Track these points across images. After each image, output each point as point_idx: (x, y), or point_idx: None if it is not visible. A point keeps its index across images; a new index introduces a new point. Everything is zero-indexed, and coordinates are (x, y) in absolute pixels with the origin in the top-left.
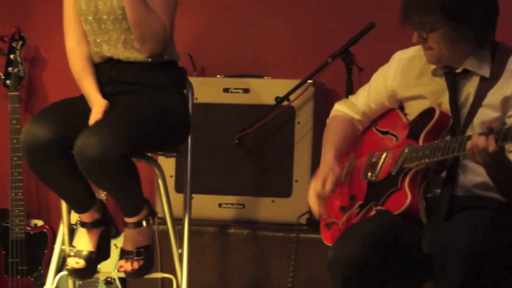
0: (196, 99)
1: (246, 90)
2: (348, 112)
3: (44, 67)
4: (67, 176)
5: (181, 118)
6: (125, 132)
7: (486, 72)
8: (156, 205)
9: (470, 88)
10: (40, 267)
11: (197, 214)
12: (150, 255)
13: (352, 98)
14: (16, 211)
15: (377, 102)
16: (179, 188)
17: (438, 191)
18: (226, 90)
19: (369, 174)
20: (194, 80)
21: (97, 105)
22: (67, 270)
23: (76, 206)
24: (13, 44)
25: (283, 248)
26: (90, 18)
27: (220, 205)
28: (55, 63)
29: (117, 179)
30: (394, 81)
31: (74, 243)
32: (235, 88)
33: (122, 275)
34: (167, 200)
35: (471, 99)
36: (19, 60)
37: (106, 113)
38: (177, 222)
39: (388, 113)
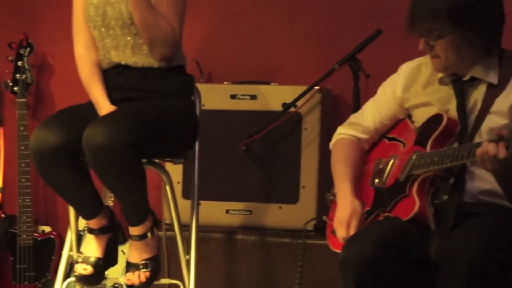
0: (203, 105)
1: (253, 97)
2: (354, 133)
3: (52, 73)
4: (75, 182)
5: (189, 125)
6: (133, 123)
7: (493, 79)
8: (164, 211)
9: (477, 95)
10: (47, 274)
11: (205, 221)
12: (157, 265)
13: (355, 118)
14: (24, 217)
15: (389, 116)
16: (186, 195)
17: (445, 197)
18: (233, 96)
19: (377, 180)
20: (201, 87)
21: (105, 111)
22: (75, 276)
23: (84, 212)
24: (21, 51)
25: (290, 254)
26: (99, 24)
27: (227, 211)
28: (63, 69)
29: (124, 175)
30: (402, 92)
31: (81, 250)
32: (242, 95)
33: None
34: (175, 207)
35: (478, 106)
36: (26, 67)
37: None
38: (185, 228)
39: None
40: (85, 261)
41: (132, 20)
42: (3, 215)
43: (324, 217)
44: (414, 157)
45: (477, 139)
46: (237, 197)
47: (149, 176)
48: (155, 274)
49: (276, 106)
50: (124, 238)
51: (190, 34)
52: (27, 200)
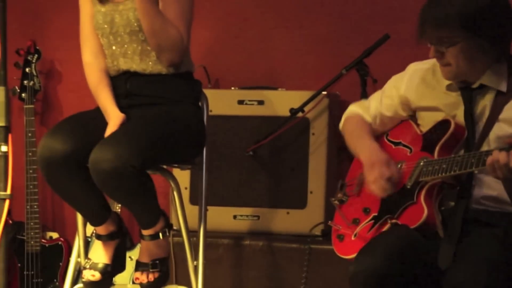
0: (211, 111)
1: (260, 102)
2: (362, 113)
3: (59, 80)
4: (83, 189)
5: (197, 131)
6: (140, 145)
7: (503, 86)
8: (171, 217)
9: (485, 102)
10: (55, 280)
11: (212, 226)
12: (166, 267)
13: (364, 102)
14: (32, 223)
15: (390, 109)
16: (193, 200)
17: (452, 203)
18: (240, 102)
19: None
20: (208, 92)
21: (114, 118)
22: (83, 282)
23: (92, 218)
24: (29, 58)
25: (298, 260)
26: (107, 31)
27: (235, 217)
28: (70, 76)
29: (132, 192)
30: (407, 91)
31: (89, 256)
32: (249, 100)
33: (138, 287)
34: (182, 212)
35: (487, 113)
36: (34, 73)
37: (122, 125)
38: (192, 234)
39: (400, 123)
40: (93, 267)
41: (140, 27)
42: (11, 222)
43: (329, 222)
44: (421, 164)
45: (485, 147)
46: (244, 203)
47: (156, 182)
48: (164, 275)
49: (283, 111)
50: (132, 244)
51: (197, 40)
52: (35, 206)
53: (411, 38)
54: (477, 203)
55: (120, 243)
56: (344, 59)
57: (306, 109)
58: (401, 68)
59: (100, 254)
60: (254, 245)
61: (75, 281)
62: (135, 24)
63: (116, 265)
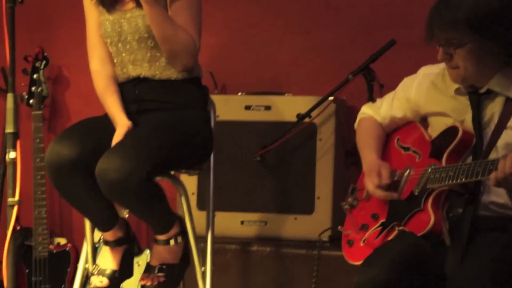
0: (218, 116)
1: (267, 107)
2: (373, 114)
3: (67, 86)
4: (90, 195)
5: (204, 136)
6: (147, 154)
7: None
8: None
9: (494, 108)
10: (63, 286)
11: (220, 232)
12: (175, 274)
13: (378, 101)
14: (40, 229)
15: (399, 111)
16: (201, 206)
17: (460, 210)
18: (247, 107)
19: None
20: (215, 98)
21: (121, 126)
22: None
23: (99, 224)
24: (37, 64)
25: (306, 265)
26: (115, 39)
27: (242, 222)
28: (78, 82)
29: (140, 201)
30: (417, 96)
31: (97, 262)
32: (256, 106)
33: None
34: (190, 218)
35: (495, 119)
36: (42, 79)
37: (129, 134)
38: (200, 239)
39: (409, 125)
40: (101, 273)
41: (149, 33)
42: (18, 227)
43: (339, 227)
44: (429, 170)
45: (493, 155)
46: (252, 208)
47: (164, 187)
48: (170, 282)
49: (290, 116)
50: (140, 249)
51: (204, 46)
52: (43, 212)
53: (417, 43)
54: (485, 209)
55: (127, 249)
56: (350, 65)
57: (313, 114)
58: (408, 73)
59: (107, 260)
60: (261, 250)
61: (82, 287)
62: (144, 31)
63: (124, 271)
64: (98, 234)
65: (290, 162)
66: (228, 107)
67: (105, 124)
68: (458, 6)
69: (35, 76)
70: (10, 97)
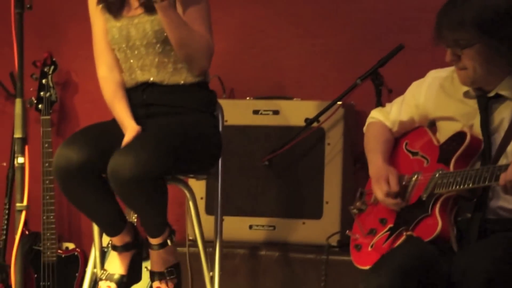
0: (226, 121)
1: (275, 112)
2: (382, 119)
3: (76, 91)
4: (98, 199)
5: (212, 140)
6: (157, 153)
7: None
8: (187, 227)
9: (504, 113)
10: None
11: (228, 236)
12: (180, 272)
13: (388, 106)
14: (48, 234)
15: (407, 115)
16: (209, 210)
17: (469, 215)
18: (255, 112)
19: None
20: (223, 102)
21: (130, 131)
22: None
23: (108, 229)
24: (45, 69)
25: (315, 270)
26: (123, 46)
27: (250, 227)
28: (87, 87)
29: (149, 200)
30: (426, 100)
31: (105, 267)
32: (264, 110)
33: None
34: (198, 223)
35: (505, 125)
36: (51, 84)
37: (139, 136)
38: (208, 244)
39: (417, 130)
40: (109, 278)
41: (157, 38)
42: (27, 232)
43: (347, 231)
44: (437, 176)
45: (503, 161)
46: (260, 213)
47: (172, 192)
48: (179, 281)
49: (298, 121)
50: (148, 254)
51: None
52: (51, 217)
53: (425, 47)
54: (494, 214)
55: (136, 253)
56: (358, 69)
57: (321, 119)
58: (416, 77)
59: (116, 265)
60: (270, 255)
61: None
62: (152, 36)
63: (132, 276)
64: (106, 239)
65: (299, 166)
66: (236, 112)
67: (114, 129)
68: (466, 7)
69: (43, 81)
70: (18, 102)
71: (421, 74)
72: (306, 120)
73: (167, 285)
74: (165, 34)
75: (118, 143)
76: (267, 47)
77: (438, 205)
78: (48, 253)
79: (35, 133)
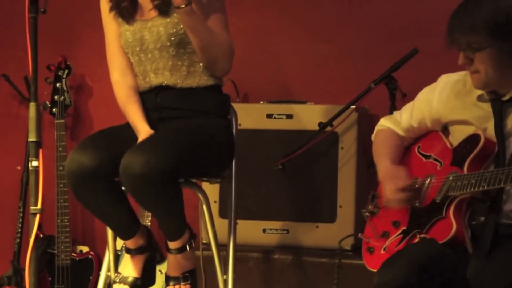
0: (240, 125)
1: (289, 116)
2: (393, 127)
3: (90, 95)
4: (111, 203)
5: (226, 144)
6: (170, 152)
7: None
8: (201, 231)
9: None
10: None
11: (241, 240)
12: (195, 279)
13: (396, 114)
14: (62, 237)
15: (420, 122)
16: (223, 214)
17: (482, 218)
18: (269, 116)
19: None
20: (237, 106)
21: (143, 134)
22: None
23: (121, 232)
24: (59, 73)
25: (328, 274)
26: (137, 49)
27: (264, 230)
28: (101, 91)
29: (162, 197)
30: (439, 104)
31: (119, 270)
32: (278, 114)
33: None
34: (212, 226)
35: None
36: (65, 88)
37: (152, 136)
38: (222, 248)
39: (430, 134)
40: (123, 281)
41: (171, 41)
42: (41, 235)
43: (359, 234)
44: (450, 178)
45: None
46: (274, 216)
47: (186, 196)
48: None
49: (312, 125)
50: (162, 257)
51: None
52: (65, 220)
53: (439, 52)
54: (508, 217)
55: (149, 256)
56: (372, 73)
57: (335, 123)
58: (430, 81)
59: (129, 268)
60: (283, 259)
61: None
62: (166, 39)
63: (146, 279)
64: (120, 242)
65: (312, 170)
66: (250, 116)
67: (127, 133)
68: (478, 11)
69: (57, 85)
70: (32, 106)
71: (435, 78)
72: (320, 124)
73: None
74: (179, 37)
75: (131, 147)
76: (281, 51)
77: (452, 207)
78: (62, 256)
79: (49, 137)
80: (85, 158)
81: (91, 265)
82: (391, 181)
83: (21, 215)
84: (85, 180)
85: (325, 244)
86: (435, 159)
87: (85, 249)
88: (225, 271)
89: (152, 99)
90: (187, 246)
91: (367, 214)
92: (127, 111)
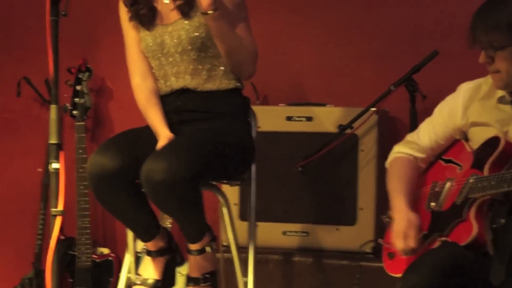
0: (259, 127)
1: (309, 118)
2: (411, 152)
3: (110, 97)
4: (132, 205)
5: (246, 146)
6: (191, 158)
7: None
8: (221, 233)
9: None
10: None
11: (262, 242)
12: (215, 281)
13: (411, 137)
14: (83, 239)
15: (446, 136)
16: (243, 216)
17: (503, 221)
18: (289, 118)
19: (433, 204)
20: (257, 109)
21: (163, 138)
22: None
23: (141, 234)
24: (80, 76)
25: (348, 277)
26: (158, 53)
27: (284, 232)
28: (121, 93)
29: (183, 203)
30: (463, 115)
31: (139, 272)
32: (298, 116)
33: None
34: (232, 228)
35: None
36: (85, 91)
37: (172, 141)
38: (242, 250)
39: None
40: (143, 283)
41: (192, 45)
42: (62, 237)
43: (379, 239)
44: (471, 180)
45: None
46: (294, 219)
47: (206, 198)
48: None
49: (332, 127)
50: (182, 259)
51: None
52: (86, 222)
53: (460, 54)
54: None
55: (170, 259)
56: (393, 75)
57: (355, 125)
58: (451, 84)
59: (150, 270)
60: (303, 261)
61: None
62: (187, 43)
63: (166, 281)
64: (140, 244)
65: (332, 173)
66: (270, 118)
67: (147, 135)
68: (500, 10)
69: (78, 87)
70: (53, 108)
71: (455, 80)
72: (340, 126)
73: None
74: (200, 41)
75: (151, 149)
76: (300, 53)
77: (473, 210)
78: (83, 258)
79: (69, 139)
80: (106, 160)
81: (112, 267)
82: (402, 241)
83: (42, 217)
84: (106, 182)
85: (345, 247)
86: (455, 163)
87: (105, 251)
88: (245, 274)
89: (173, 102)
90: (207, 248)
91: (387, 220)
92: (147, 114)
